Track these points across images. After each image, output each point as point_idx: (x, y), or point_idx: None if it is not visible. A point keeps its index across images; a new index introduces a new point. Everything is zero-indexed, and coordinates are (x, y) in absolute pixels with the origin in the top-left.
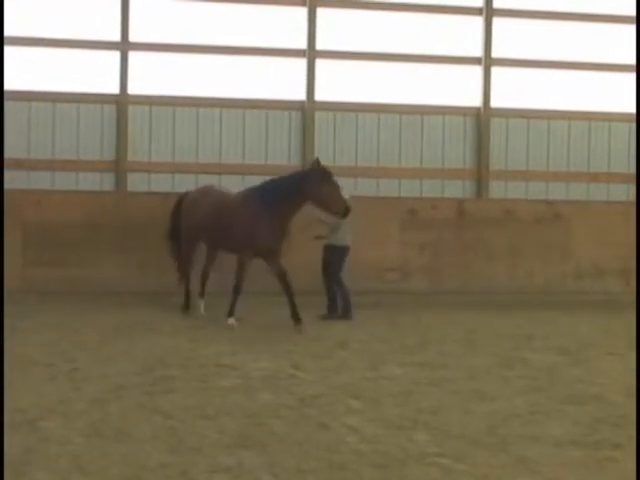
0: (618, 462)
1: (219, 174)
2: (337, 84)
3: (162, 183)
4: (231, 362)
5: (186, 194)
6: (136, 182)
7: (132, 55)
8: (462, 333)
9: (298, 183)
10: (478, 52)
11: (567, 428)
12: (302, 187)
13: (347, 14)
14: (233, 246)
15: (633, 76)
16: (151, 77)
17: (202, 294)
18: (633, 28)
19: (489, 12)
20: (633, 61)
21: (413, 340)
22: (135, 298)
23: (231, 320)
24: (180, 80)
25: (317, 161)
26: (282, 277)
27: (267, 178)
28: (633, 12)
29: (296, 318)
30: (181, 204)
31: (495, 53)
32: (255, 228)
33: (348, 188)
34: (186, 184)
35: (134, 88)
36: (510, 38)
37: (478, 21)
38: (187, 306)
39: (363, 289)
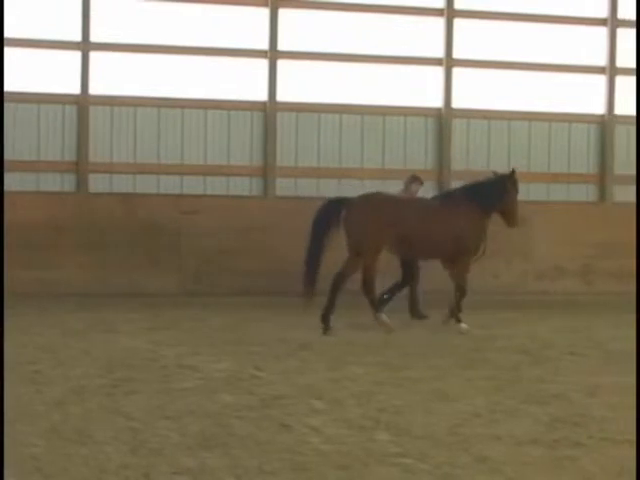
0: (578, 461)
1: (181, 175)
2: (299, 85)
3: (123, 184)
4: (193, 363)
5: (338, 202)
6: (97, 183)
7: (93, 55)
8: (426, 333)
9: (500, 190)
10: (439, 53)
11: (528, 427)
12: (503, 194)
13: (309, 15)
14: (450, 252)
15: (593, 77)
16: (112, 77)
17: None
18: (594, 30)
19: (450, 13)
20: (593, 62)
21: (375, 340)
22: (97, 299)
23: (464, 325)
24: (141, 80)
25: (514, 171)
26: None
27: (230, 179)
28: (594, 14)
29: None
30: (337, 213)
31: (456, 54)
32: (483, 232)
33: (310, 189)
34: (148, 185)
35: (95, 88)
36: (471, 39)
37: (439, 22)
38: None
39: (324, 290)
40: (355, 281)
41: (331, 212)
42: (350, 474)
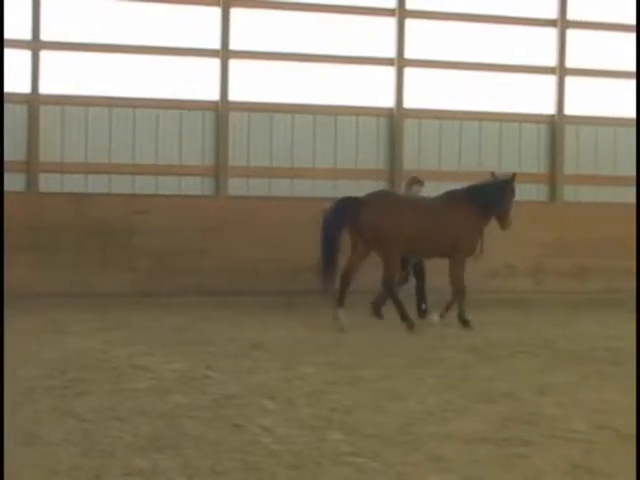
0: (527, 458)
1: (133, 175)
2: (251, 84)
3: (75, 183)
4: (145, 363)
5: (351, 201)
6: (48, 182)
7: (44, 54)
8: (376, 333)
9: (501, 194)
10: (391, 53)
11: (479, 426)
12: (503, 198)
13: (261, 14)
14: (452, 250)
15: (543, 77)
16: (63, 76)
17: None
18: (544, 30)
19: (402, 13)
20: (543, 63)
21: (327, 340)
22: (47, 300)
23: (436, 317)
24: (93, 80)
25: (514, 175)
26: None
27: (182, 178)
28: (544, 15)
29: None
30: (352, 212)
31: (408, 54)
32: (480, 232)
33: (262, 188)
34: (99, 184)
35: (46, 88)
36: (423, 39)
37: (391, 22)
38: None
39: (277, 289)
40: (302, 281)
41: (344, 211)
42: (302, 474)
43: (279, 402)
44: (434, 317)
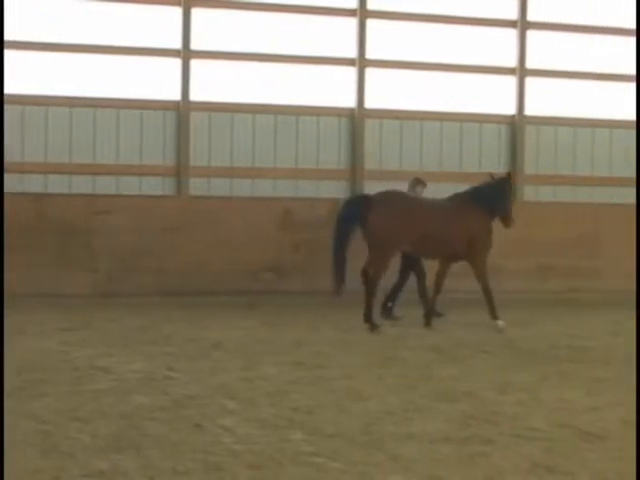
0: (489, 457)
1: (93, 175)
2: (212, 84)
3: (35, 184)
4: (105, 364)
5: (362, 200)
6: (8, 183)
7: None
8: (337, 333)
9: (503, 193)
10: (352, 53)
11: (440, 425)
12: (505, 197)
13: (222, 14)
14: (465, 252)
15: (503, 78)
16: (23, 76)
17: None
18: (504, 31)
19: (363, 13)
20: (504, 63)
21: (289, 340)
22: (6, 301)
23: (501, 323)
24: (53, 79)
25: (510, 174)
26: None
27: (143, 178)
28: (505, 15)
29: (493, 316)
30: (362, 210)
31: (369, 54)
32: (490, 232)
33: (224, 188)
34: (60, 185)
35: (6, 87)
36: (384, 39)
37: (352, 22)
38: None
39: (239, 289)
40: (264, 281)
41: (356, 209)
42: (263, 473)
43: (240, 402)
44: (499, 324)
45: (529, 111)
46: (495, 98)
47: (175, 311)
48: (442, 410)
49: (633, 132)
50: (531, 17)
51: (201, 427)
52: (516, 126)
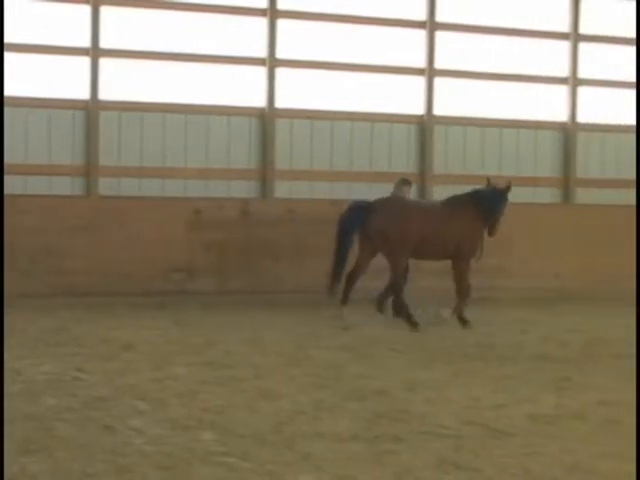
0: (398, 455)
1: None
2: (122, 83)
3: None
4: (14, 367)
5: (367, 205)
6: None
7: None
8: (248, 332)
9: (500, 200)
10: (263, 53)
11: (350, 424)
12: (502, 204)
13: (132, 12)
14: (456, 254)
15: (413, 78)
16: None
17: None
18: (414, 32)
19: (273, 13)
20: (414, 64)
21: (199, 340)
22: None
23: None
24: None
25: (510, 184)
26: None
27: (52, 178)
28: (414, 16)
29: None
30: (365, 215)
31: (279, 54)
32: (482, 235)
33: (134, 188)
34: None
35: None
36: (295, 39)
37: (263, 22)
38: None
39: (149, 290)
40: (174, 282)
41: (359, 214)
42: (173, 474)
43: (150, 403)
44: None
45: (438, 111)
46: (405, 98)
47: (85, 312)
48: (352, 409)
49: (540, 132)
50: (440, 18)
51: (111, 428)
52: (425, 126)
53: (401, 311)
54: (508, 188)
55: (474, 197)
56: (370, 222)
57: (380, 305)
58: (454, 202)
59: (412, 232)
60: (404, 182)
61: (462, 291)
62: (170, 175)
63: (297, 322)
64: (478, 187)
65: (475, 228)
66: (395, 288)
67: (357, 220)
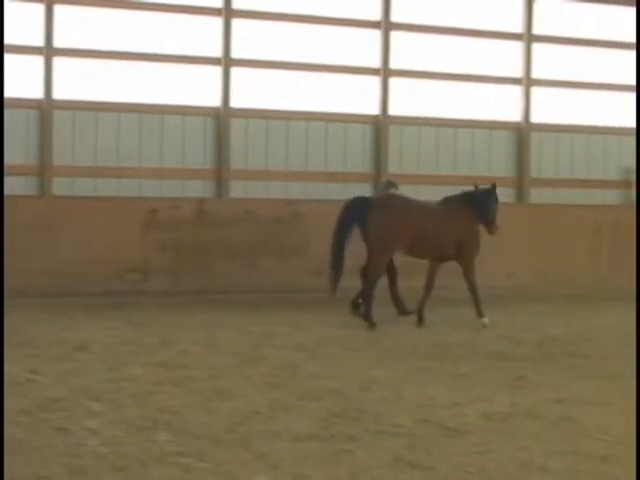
0: (353, 454)
1: None
2: (76, 83)
3: None
4: None
5: (362, 202)
6: None
7: None
8: (204, 332)
9: (490, 201)
10: (218, 52)
11: (305, 423)
12: (494, 204)
13: (85, 11)
14: (459, 253)
15: (368, 78)
16: None
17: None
18: (369, 32)
19: (228, 13)
20: (370, 64)
21: (154, 340)
22: None
23: (486, 319)
24: None
25: (495, 185)
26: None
27: (6, 178)
28: (370, 16)
29: (479, 314)
30: (363, 212)
31: (235, 54)
32: (478, 237)
33: (88, 188)
34: None
35: None
36: (250, 39)
37: (218, 21)
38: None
39: (103, 290)
40: (129, 282)
41: (357, 211)
42: (128, 475)
43: (105, 404)
44: (484, 320)
45: (393, 111)
46: (360, 98)
47: (40, 312)
48: (308, 408)
49: (495, 132)
50: (394, 18)
51: (65, 430)
52: (380, 126)
53: (367, 306)
54: (494, 188)
55: (467, 198)
56: (367, 219)
57: (355, 306)
58: (450, 203)
59: (408, 231)
60: (390, 184)
61: (474, 289)
62: (125, 175)
63: (252, 322)
64: (467, 189)
65: (473, 228)
66: (371, 281)
67: (354, 218)
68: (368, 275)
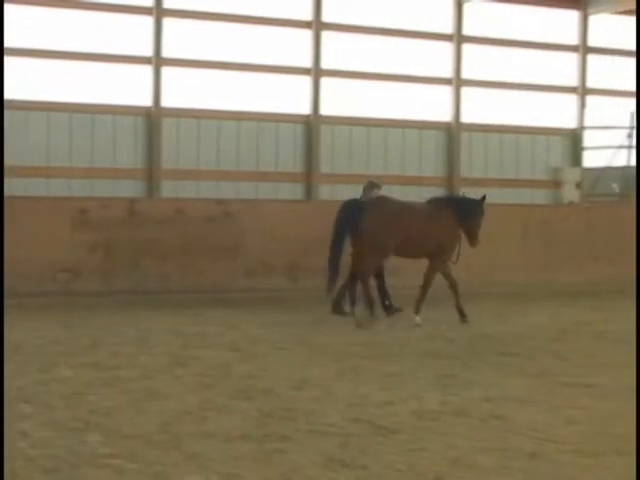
0: (285, 454)
1: None
2: (5, 82)
3: None
4: None
5: (360, 204)
6: None
7: None
8: (135, 333)
9: (477, 211)
10: (149, 52)
11: (237, 423)
12: (478, 213)
13: (28, 11)
14: (435, 252)
15: (299, 78)
16: None
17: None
18: (300, 32)
19: (159, 12)
20: (301, 64)
21: (85, 341)
22: None
23: (418, 318)
24: None
25: (484, 197)
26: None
27: None
28: (301, 17)
29: (416, 310)
30: (357, 214)
31: (166, 53)
32: (459, 237)
33: (18, 188)
34: None
35: None
36: (181, 38)
37: (148, 20)
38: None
39: (34, 291)
40: (61, 282)
41: (352, 213)
42: (59, 477)
43: (36, 406)
44: (417, 319)
45: (324, 111)
46: (291, 98)
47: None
48: (239, 408)
49: (425, 132)
50: (325, 18)
51: None
52: (312, 126)
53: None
54: (483, 199)
55: (453, 202)
56: (362, 220)
57: (338, 307)
58: (435, 204)
59: (400, 232)
60: (373, 185)
61: (427, 286)
62: (55, 174)
63: (183, 322)
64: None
65: (454, 230)
66: (363, 278)
67: (350, 220)
68: (360, 275)
